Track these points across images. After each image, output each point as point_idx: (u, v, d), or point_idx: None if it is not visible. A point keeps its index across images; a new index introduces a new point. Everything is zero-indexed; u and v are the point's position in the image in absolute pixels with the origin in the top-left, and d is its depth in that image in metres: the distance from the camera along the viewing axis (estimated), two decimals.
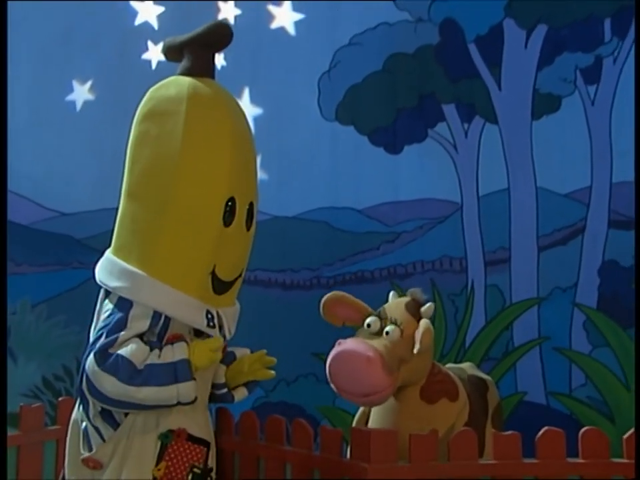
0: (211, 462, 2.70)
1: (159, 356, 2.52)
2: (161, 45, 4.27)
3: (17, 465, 3.09)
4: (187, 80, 2.69)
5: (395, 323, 2.83)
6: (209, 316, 2.61)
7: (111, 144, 4.27)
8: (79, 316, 4.10)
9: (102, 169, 4.29)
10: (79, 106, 4.33)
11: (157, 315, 2.56)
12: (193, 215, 2.57)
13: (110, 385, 2.46)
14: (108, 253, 2.72)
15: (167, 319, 2.58)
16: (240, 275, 2.74)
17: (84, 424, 2.64)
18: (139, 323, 2.54)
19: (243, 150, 2.73)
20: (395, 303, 2.95)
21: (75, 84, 4.36)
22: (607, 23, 4.10)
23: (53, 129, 4.34)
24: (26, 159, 4.30)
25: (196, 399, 2.55)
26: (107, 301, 2.64)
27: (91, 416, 2.60)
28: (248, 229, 2.73)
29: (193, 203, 2.57)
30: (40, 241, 4.30)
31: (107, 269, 2.67)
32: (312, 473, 2.76)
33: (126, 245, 2.66)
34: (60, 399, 3.45)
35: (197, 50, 2.71)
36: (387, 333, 2.82)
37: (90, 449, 2.60)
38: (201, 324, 2.60)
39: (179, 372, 2.49)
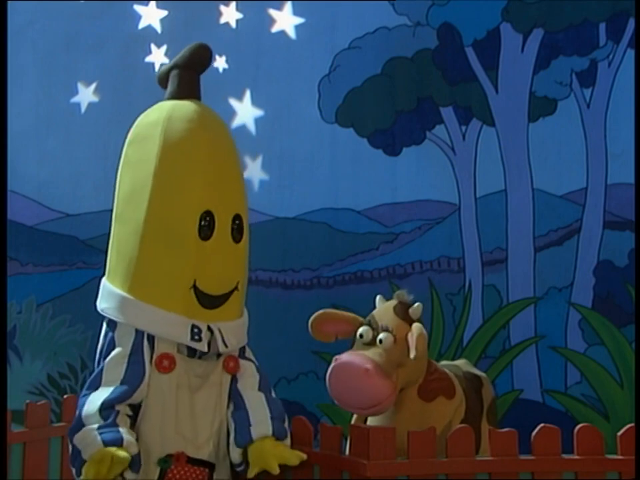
0: None
1: (92, 432, 2.49)
2: (164, 48, 4.37)
3: (23, 461, 3.13)
4: (168, 104, 2.77)
5: (386, 330, 2.84)
6: (195, 330, 2.62)
7: (115, 145, 4.22)
8: (83, 315, 4.17)
9: (106, 170, 4.28)
10: (83, 108, 4.34)
11: (138, 334, 2.61)
12: (167, 232, 2.61)
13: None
14: (104, 278, 2.79)
15: (151, 337, 2.61)
16: (236, 288, 2.72)
17: None
18: (124, 342, 2.61)
19: (222, 165, 2.75)
20: (383, 309, 2.96)
21: (80, 86, 4.38)
22: (602, 27, 4.15)
23: (58, 131, 4.34)
24: (31, 160, 4.31)
25: None
26: (104, 323, 2.74)
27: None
28: (238, 242, 2.73)
29: (166, 220, 2.62)
30: (45, 241, 4.31)
31: (100, 292, 2.77)
32: (312, 469, 2.78)
33: (113, 267, 2.74)
34: (65, 396, 3.49)
35: (180, 73, 2.79)
36: (380, 341, 2.83)
37: None
38: (185, 339, 2.61)
39: (76, 461, 2.50)
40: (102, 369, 2.60)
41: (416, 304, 2.91)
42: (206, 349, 2.64)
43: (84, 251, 4.32)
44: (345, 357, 2.83)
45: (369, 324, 2.90)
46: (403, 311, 2.90)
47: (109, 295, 2.69)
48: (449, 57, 4.28)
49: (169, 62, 2.92)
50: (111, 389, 2.55)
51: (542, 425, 2.72)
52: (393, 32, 4.30)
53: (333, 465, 2.73)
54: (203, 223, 2.62)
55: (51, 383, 4.25)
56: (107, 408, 2.52)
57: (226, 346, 2.68)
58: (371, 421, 3.01)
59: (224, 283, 2.69)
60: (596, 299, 4.08)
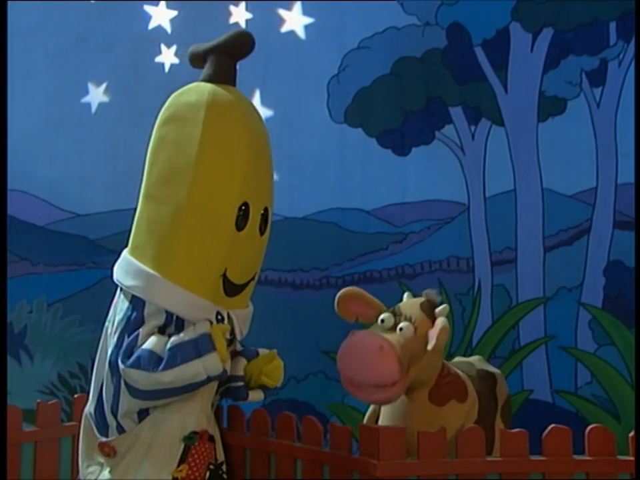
0: (219, 455, 2.75)
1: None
2: (173, 48, 4.38)
3: (34, 460, 3.16)
4: (207, 87, 2.74)
5: (409, 320, 2.83)
6: (219, 317, 2.66)
7: (125, 146, 4.33)
8: (93, 315, 4.15)
9: (116, 171, 4.34)
10: (94, 108, 4.36)
11: (169, 315, 2.63)
12: (207, 219, 2.62)
13: (137, 377, 2.53)
14: (125, 252, 2.79)
15: (179, 319, 2.64)
16: (253, 278, 2.78)
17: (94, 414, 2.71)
18: (154, 319, 2.62)
19: (259, 156, 2.77)
20: (410, 302, 2.96)
21: (90, 86, 4.40)
22: (612, 26, 4.13)
23: (69, 131, 4.36)
24: (42, 160, 4.33)
25: (226, 372, 2.58)
26: (122, 297, 2.72)
27: (119, 414, 2.65)
28: (262, 234, 2.77)
29: (207, 207, 2.63)
30: (55, 241, 4.33)
31: (124, 268, 2.75)
32: (322, 469, 2.80)
33: (142, 245, 2.72)
34: (75, 395, 3.50)
35: (219, 58, 2.77)
36: (401, 329, 2.81)
37: (106, 437, 2.65)
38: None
39: (200, 345, 2.52)
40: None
41: (443, 305, 2.90)
42: (229, 336, 2.70)
43: (94, 251, 4.34)
44: (362, 332, 2.82)
45: (393, 312, 2.90)
46: (429, 309, 2.89)
47: (138, 273, 2.67)
48: (458, 56, 4.27)
49: (205, 50, 2.81)
50: None
51: (553, 425, 2.71)
52: (401, 32, 4.30)
53: (342, 464, 2.74)
54: (239, 214, 2.64)
55: (62, 383, 4.27)
56: None
57: (240, 334, 2.76)
58: (382, 423, 2.99)
59: (247, 273, 2.74)
60: (606, 299, 4.06)
